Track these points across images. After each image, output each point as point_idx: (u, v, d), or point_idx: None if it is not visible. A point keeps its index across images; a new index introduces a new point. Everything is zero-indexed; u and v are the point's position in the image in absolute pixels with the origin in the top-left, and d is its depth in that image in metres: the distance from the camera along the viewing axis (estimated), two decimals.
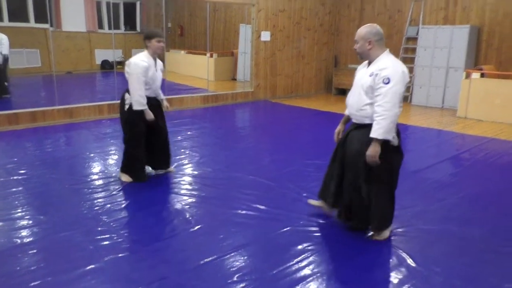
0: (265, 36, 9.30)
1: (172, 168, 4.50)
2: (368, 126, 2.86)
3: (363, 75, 2.97)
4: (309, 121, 7.67)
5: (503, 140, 6.20)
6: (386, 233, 3.13)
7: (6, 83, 7.57)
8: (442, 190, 4.16)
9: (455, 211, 3.68)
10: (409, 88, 9.59)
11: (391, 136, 2.82)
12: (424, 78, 9.15)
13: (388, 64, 2.81)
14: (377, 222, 3.08)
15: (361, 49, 2.92)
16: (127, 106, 3.97)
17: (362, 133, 2.94)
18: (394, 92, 2.75)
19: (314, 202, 3.59)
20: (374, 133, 2.79)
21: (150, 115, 3.96)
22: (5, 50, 7.35)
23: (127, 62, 3.90)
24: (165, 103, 4.26)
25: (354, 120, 3.09)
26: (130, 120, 4.00)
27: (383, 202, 3.04)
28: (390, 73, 2.76)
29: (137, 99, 3.87)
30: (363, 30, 2.91)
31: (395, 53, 9.77)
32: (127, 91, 3.97)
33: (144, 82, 3.87)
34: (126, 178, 4.18)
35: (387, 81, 2.76)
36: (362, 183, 2.99)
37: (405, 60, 9.67)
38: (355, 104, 2.99)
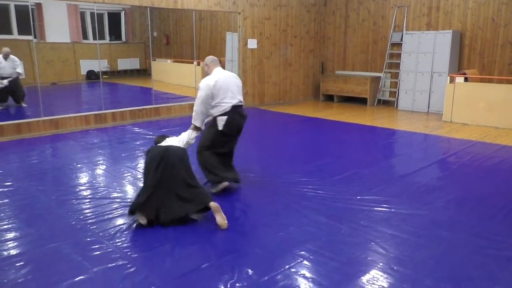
0: (252, 43, 9.35)
1: None
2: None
3: None
4: (297, 127, 7.70)
5: (488, 143, 6.29)
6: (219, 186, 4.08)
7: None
8: (430, 194, 4.20)
9: (443, 214, 3.71)
10: (395, 93, 9.70)
11: (197, 123, 4.06)
12: (410, 83, 9.26)
13: (205, 78, 4.15)
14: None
15: (206, 71, 4.31)
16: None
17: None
18: (198, 96, 4.05)
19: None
20: None
21: None
22: (20, 69, 8.51)
23: None
24: None
25: None
26: None
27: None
28: (201, 84, 4.09)
29: None
30: (205, 59, 4.35)
31: (381, 58, 9.91)
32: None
33: None
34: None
35: (199, 88, 4.09)
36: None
37: (390, 66, 9.80)
38: None
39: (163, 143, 3.73)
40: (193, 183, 3.49)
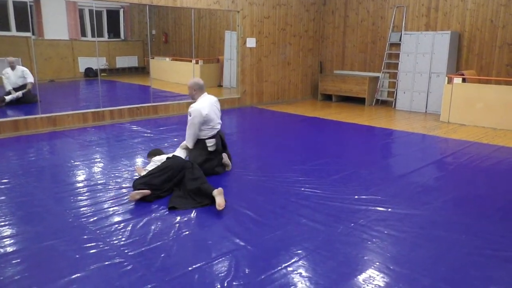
0: (251, 42, 9.34)
1: None
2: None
3: None
4: (296, 126, 7.71)
5: (485, 144, 6.30)
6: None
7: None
8: (427, 194, 4.20)
9: (440, 214, 3.72)
10: (393, 93, 9.71)
11: (190, 144, 4.59)
12: (408, 84, 9.28)
13: (195, 104, 4.52)
14: None
15: (190, 94, 4.65)
16: None
17: None
18: (191, 123, 4.48)
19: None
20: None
21: None
22: (31, 78, 8.34)
23: None
24: None
25: None
26: None
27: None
28: (192, 110, 4.46)
29: None
30: (190, 82, 4.63)
31: (380, 58, 9.92)
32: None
33: None
34: None
35: (190, 115, 4.48)
36: None
37: (388, 66, 9.81)
38: None
39: (159, 157, 4.40)
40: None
